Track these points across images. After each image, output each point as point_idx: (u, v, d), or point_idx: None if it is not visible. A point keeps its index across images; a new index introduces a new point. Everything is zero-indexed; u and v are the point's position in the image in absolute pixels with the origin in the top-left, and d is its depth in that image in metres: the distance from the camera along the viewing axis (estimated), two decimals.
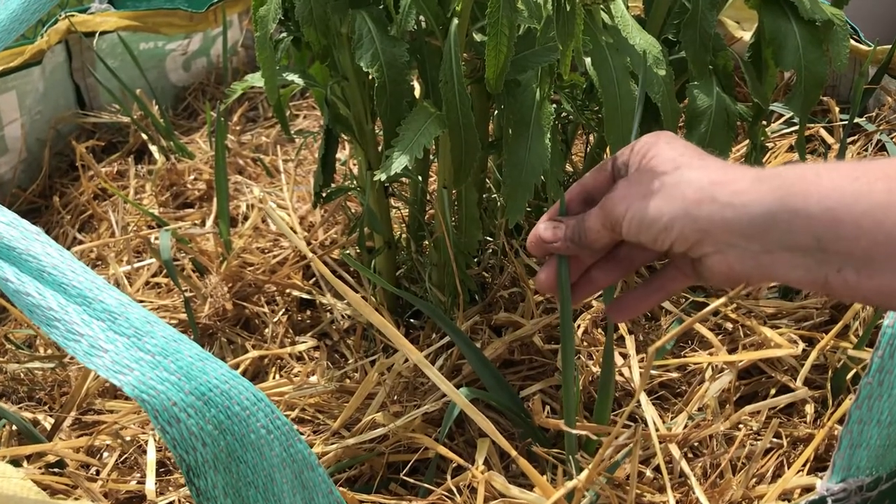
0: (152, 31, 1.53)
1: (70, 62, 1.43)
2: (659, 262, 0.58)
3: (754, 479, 0.73)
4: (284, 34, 0.87)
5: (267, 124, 1.54)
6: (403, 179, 0.95)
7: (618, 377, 0.83)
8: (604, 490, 0.65)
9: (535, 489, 0.68)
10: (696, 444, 0.77)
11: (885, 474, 0.56)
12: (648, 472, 0.74)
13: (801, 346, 0.84)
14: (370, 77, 0.74)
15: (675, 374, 0.85)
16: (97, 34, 1.43)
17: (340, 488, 0.73)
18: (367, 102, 0.84)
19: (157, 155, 1.36)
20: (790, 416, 0.82)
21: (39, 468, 0.79)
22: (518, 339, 0.86)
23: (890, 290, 0.40)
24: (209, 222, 1.18)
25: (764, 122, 0.95)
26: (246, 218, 1.20)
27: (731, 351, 0.87)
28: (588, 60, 0.77)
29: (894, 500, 0.58)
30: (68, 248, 0.94)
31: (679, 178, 0.46)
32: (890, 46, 1.18)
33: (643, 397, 0.79)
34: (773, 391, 0.83)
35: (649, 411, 0.77)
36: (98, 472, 0.80)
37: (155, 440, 0.80)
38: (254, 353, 0.92)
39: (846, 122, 1.10)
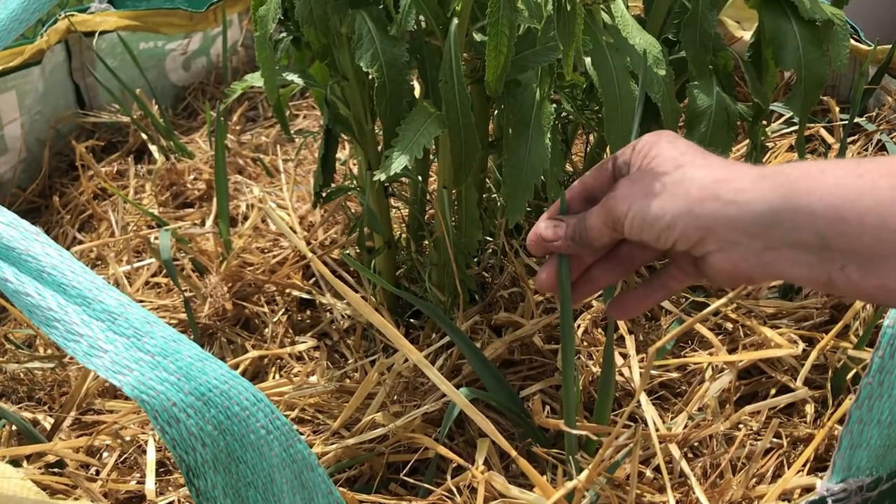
0: (152, 30, 1.53)
1: (70, 62, 1.43)
2: (659, 262, 0.58)
3: (754, 479, 0.73)
4: (284, 34, 0.87)
5: (267, 124, 1.54)
6: (403, 179, 0.95)
7: (618, 377, 0.83)
8: (604, 490, 0.65)
9: (535, 489, 0.68)
10: (696, 444, 0.77)
11: (885, 474, 0.56)
12: (648, 472, 0.74)
13: (802, 346, 0.84)
14: (370, 77, 0.74)
15: (675, 374, 0.85)
16: (97, 34, 1.43)
17: (340, 488, 0.73)
18: (367, 102, 0.84)
19: (156, 155, 1.36)
20: (790, 416, 0.81)
21: (39, 468, 0.79)
22: (518, 339, 0.86)
23: (893, 288, 0.40)
24: (209, 222, 1.18)
25: (764, 122, 0.95)
26: (246, 218, 1.20)
27: (732, 351, 0.87)
28: (588, 60, 0.77)
29: (894, 501, 0.58)
30: (68, 248, 0.94)
31: (682, 176, 0.45)
32: (890, 46, 1.18)
33: (643, 397, 0.79)
34: (773, 391, 0.83)
35: (649, 411, 0.77)
36: (98, 472, 0.80)
37: (155, 440, 0.80)
38: (253, 353, 0.92)
39: (846, 122, 1.10)
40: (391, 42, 0.73)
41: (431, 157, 0.93)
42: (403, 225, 0.99)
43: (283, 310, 1.00)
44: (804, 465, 0.73)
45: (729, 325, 0.91)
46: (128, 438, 0.82)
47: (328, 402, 0.84)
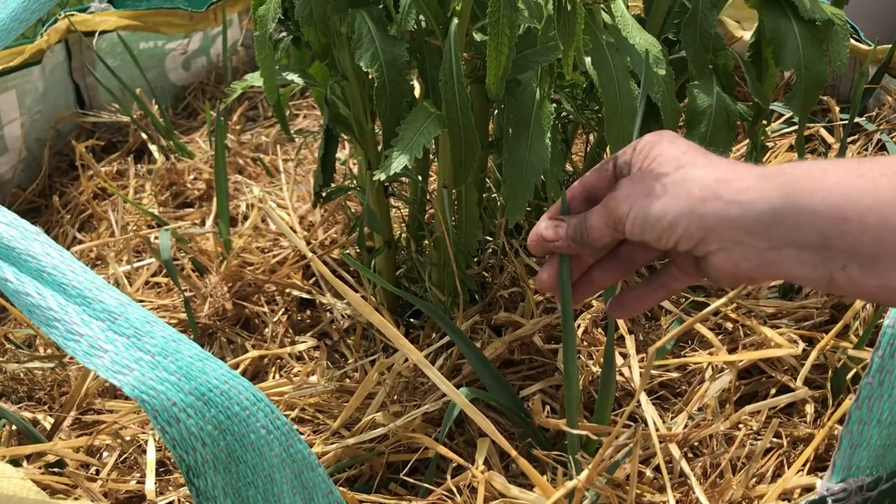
0: (152, 30, 1.53)
1: (70, 61, 1.43)
2: (659, 262, 0.58)
3: (754, 479, 0.73)
4: (284, 33, 0.87)
5: (267, 124, 1.54)
6: (403, 179, 0.95)
7: (618, 377, 0.83)
8: (604, 490, 0.65)
9: (535, 489, 0.68)
10: (696, 443, 0.77)
11: (885, 474, 0.56)
12: (648, 472, 0.74)
13: (802, 345, 0.84)
14: (370, 77, 0.74)
15: (675, 374, 0.85)
16: (97, 33, 1.43)
17: (340, 488, 0.73)
18: (367, 102, 0.84)
19: (156, 154, 1.36)
20: (790, 415, 0.81)
21: (39, 468, 0.79)
22: (518, 338, 0.86)
23: (895, 287, 0.40)
24: (209, 222, 1.18)
25: (764, 122, 0.95)
26: (246, 217, 1.20)
27: (732, 351, 0.87)
28: (588, 60, 0.77)
29: (894, 500, 0.58)
30: (68, 248, 0.94)
31: (683, 176, 0.45)
32: (890, 46, 1.18)
33: (643, 397, 0.79)
34: (773, 391, 0.83)
35: (649, 411, 0.77)
36: (98, 472, 0.80)
37: (155, 440, 0.80)
38: (253, 353, 0.92)
39: (846, 122, 1.10)
40: (391, 42, 0.73)
41: (431, 156, 0.93)
42: (403, 225, 0.99)
43: (283, 309, 1.00)
44: (804, 465, 0.73)
45: (729, 325, 0.91)
46: (128, 438, 0.82)
47: (328, 401, 0.84)
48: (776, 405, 0.80)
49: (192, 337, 0.95)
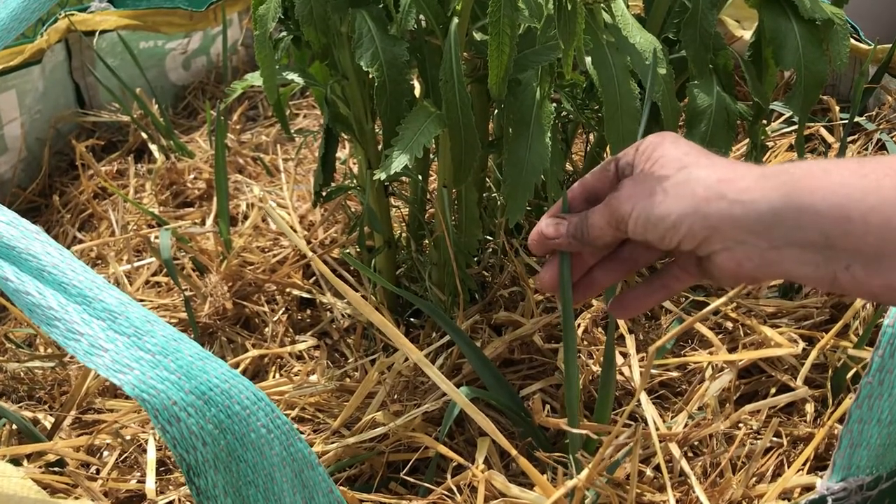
0: (152, 29, 1.53)
1: (70, 61, 1.43)
2: (660, 262, 0.58)
3: (754, 479, 0.73)
4: (284, 33, 0.87)
5: (267, 123, 1.54)
6: (403, 178, 0.95)
7: (618, 376, 0.83)
8: (604, 489, 0.65)
9: (536, 488, 0.68)
10: (696, 443, 0.77)
11: (885, 473, 0.56)
12: (649, 472, 0.74)
13: (802, 345, 0.84)
14: (370, 76, 0.74)
15: (675, 374, 0.85)
16: (97, 33, 1.43)
17: (340, 487, 0.73)
18: (367, 101, 0.84)
19: (156, 154, 1.36)
20: (790, 415, 0.82)
21: (39, 467, 0.79)
22: (518, 338, 0.86)
23: None
24: (209, 221, 1.18)
25: (764, 121, 0.95)
26: (246, 217, 1.20)
27: (732, 350, 0.87)
28: (588, 59, 0.77)
29: (894, 500, 0.58)
30: (68, 248, 0.94)
31: (687, 176, 0.46)
32: (890, 45, 1.18)
33: (643, 396, 0.79)
34: (773, 390, 0.83)
35: (649, 410, 0.77)
36: (98, 472, 0.80)
37: (155, 439, 0.80)
38: (254, 353, 0.92)
39: (846, 121, 1.10)
40: (391, 41, 0.73)
41: (431, 156, 0.93)
42: (403, 224, 0.99)
43: (284, 309, 1.00)
44: (804, 464, 0.73)
45: (729, 325, 0.91)
46: (128, 437, 0.82)
47: (328, 401, 0.84)
48: (776, 404, 0.80)
49: (192, 336, 0.95)
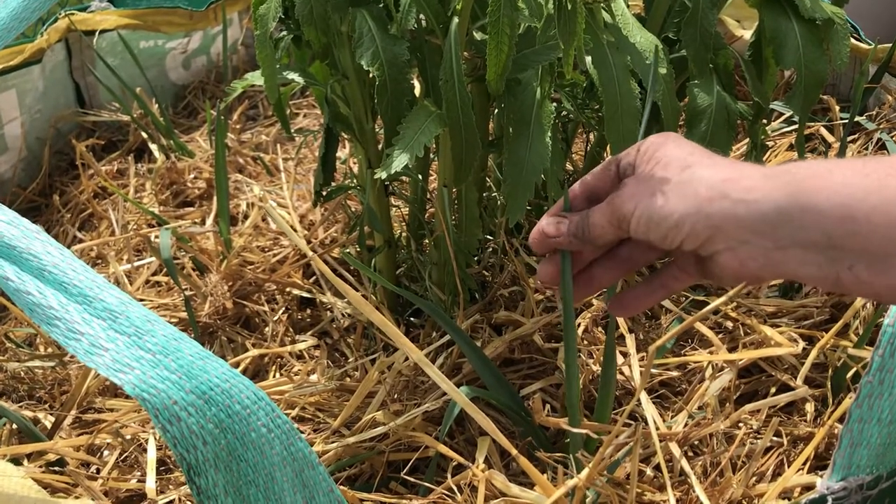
0: (152, 29, 1.53)
1: (70, 60, 1.43)
2: (659, 261, 0.58)
3: (754, 478, 0.73)
4: (284, 32, 0.87)
5: (267, 123, 1.54)
6: (404, 178, 0.95)
7: (618, 376, 0.83)
8: (604, 489, 0.65)
9: (536, 488, 0.68)
10: (696, 442, 0.77)
11: (885, 473, 0.56)
12: (649, 471, 0.74)
13: (802, 344, 0.84)
14: (371, 75, 0.74)
15: (675, 373, 0.85)
16: (97, 32, 1.43)
17: (341, 487, 0.73)
18: (368, 101, 0.84)
19: (157, 153, 1.36)
20: (790, 414, 0.82)
21: (40, 466, 0.79)
22: (518, 337, 0.86)
23: None
24: (209, 221, 1.18)
25: (764, 121, 0.95)
26: (246, 216, 1.20)
27: (732, 349, 0.87)
28: (588, 59, 0.77)
29: (894, 499, 0.58)
30: (68, 247, 0.94)
31: (690, 175, 0.46)
32: (890, 45, 1.18)
33: (643, 396, 0.79)
34: (773, 390, 0.83)
35: (650, 410, 0.77)
36: (98, 471, 0.80)
37: (155, 438, 0.80)
38: (254, 352, 0.92)
39: (846, 121, 1.10)
40: (392, 41, 0.73)
41: (432, 155, 0.93)
42: (404, 224, 0.99)
43: (284, 308, 1.00)
44: (804, 464, 0.73)
45: (729, 324, 0.91)
46: (128, 437, 0.82)
47: (328, 400, 0.84)
48: (776, 404, 0.80)
49: (192, 336, 0.95)
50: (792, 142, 1.21)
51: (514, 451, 0.66)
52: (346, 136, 0.90)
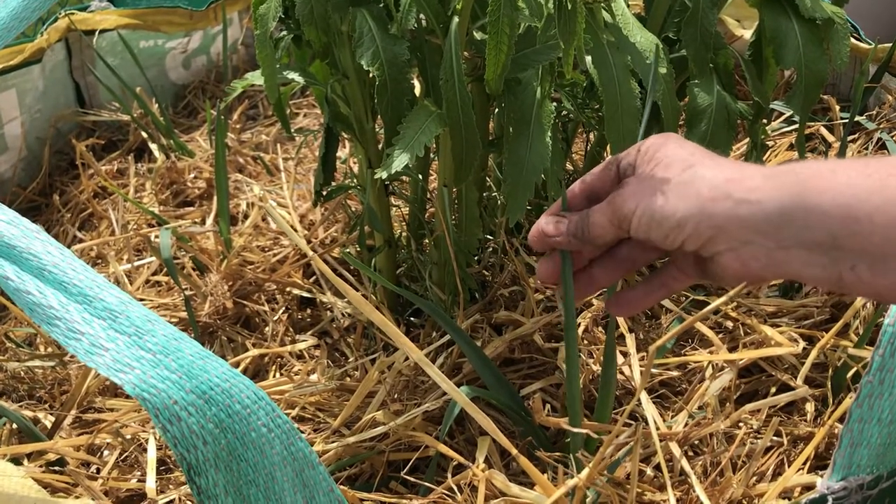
0: (152, 29, 1.53)
1: (70, 60, 1.43)
2: (659, 261, 0.58)
3: (755, 478, 0.73)
4: (285, 32, 0.87)
5: (267, 122, 1.54)
6: (404, 178, 0.95)
7: (618, 375, 0.83)
8: (604, 488, 0.65)
9: (536, 487, 0.68)
10: (696, 442, 0.77)
11: (885, 473, 0.56)
12: (649, 471, 0.74)
13: (802, 344, 0.84)
14: (371, 75, 0.74)
15: (675, 373, 0.85)
16: (97, 32, 1.43)
17: (341, 486, 0.73)
18: (368, 101, 0.84)
19: (157, 153, 1.36)
20: (791, 414, 0.82)
21: (40, 466, 0.79)
22: (518, 337, 0.86)
23: None
24: (209, 220, 1.18)
25: (764, 121, 0.95)
26: (246, 216, 1.20)
27: (732, 349, 0.87)
28: (589, 59, 0.77)
29: (895, 499, 0.58)
30: (68, 247, 0.94)
31: (693, 175, 0.45)
32: (890, 45, 1.18)
33: (644, 396, 0.79)
34: (773, 389, 0.83)
35: (650, 410, 0.77)
36: (98, 471, 0.80)
37: (155, 438, 0.80)
38: (254, 352, 0.92)
39: (847, 121, 1.10)
40: (392, 40, 0.73)
41: (432, 155, 0.93)
42: (404, 223, 0.99)
43: (284, 308, 1.00)
44: (804, 464, 0.73)
45: (729, 324, 0.91)
46: (128, 437, 0.82)
47: (329, 400, 0.84)
48: (776, 404, 0.80)
49: (192, 335, 0.95)
50: (792, 141, 1.21)
51: (514, 451, 0.66)
52: (346, 136, 0.90)
